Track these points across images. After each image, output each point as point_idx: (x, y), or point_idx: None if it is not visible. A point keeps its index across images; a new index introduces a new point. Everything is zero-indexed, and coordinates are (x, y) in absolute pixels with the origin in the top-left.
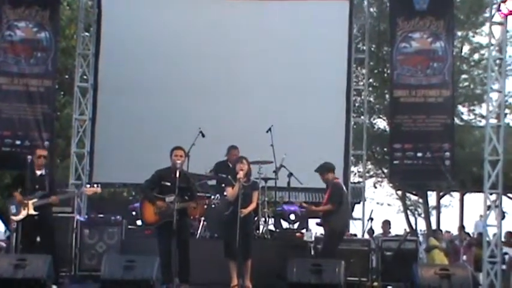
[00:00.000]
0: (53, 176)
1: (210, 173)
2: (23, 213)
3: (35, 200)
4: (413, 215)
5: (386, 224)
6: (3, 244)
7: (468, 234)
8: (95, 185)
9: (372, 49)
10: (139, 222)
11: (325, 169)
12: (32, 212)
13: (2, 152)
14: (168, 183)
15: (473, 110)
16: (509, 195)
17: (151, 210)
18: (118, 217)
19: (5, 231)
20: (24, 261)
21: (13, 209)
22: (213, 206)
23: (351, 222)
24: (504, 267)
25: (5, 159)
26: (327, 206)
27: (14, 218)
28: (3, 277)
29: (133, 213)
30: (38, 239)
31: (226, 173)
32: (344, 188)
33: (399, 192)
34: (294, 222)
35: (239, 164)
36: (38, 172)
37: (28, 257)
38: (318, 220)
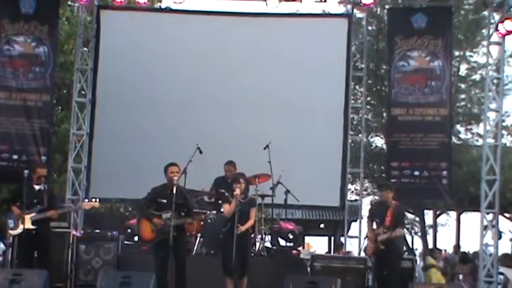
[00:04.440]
0: (52, 191)
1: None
2: (21, 228)
3: (33, 214)
4: (410, 233)
5: None
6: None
7: (464, 253)
8: (93, 200)
9: (370, 67)
10: (135, 238)
11: (387, 187)
12: (29, 226)
13: None
14: (165, 200)
15: (471, 129)
16: (505, 214)
17: (149, 228)
18: (114, 232)
19: None
20: (19, 276)
21: (11, 223)
22: (208, 220)
23: (348, 240)
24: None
25: (2, 174)
26: (400, 230)
27: (11, 232)
28: None
29: (129, 230)
30: (36, 254)
31: (225, 188)
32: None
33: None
34: (290, 240)
35: (236, 183)
36: (37, 187)
37: (24, 272)
38: None
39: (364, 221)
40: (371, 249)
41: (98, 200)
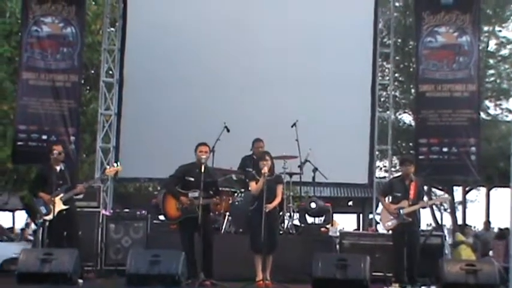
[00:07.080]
0: (73, 168)
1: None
2: (54, 211)
3: (61, 194)
4: (439, 210)
5: None
6: (32, 238)
7: (501, 229)
8: (115, 164)
9: (398, 43)
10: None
11: (409, 162)
12: (62, 207)
13: (28, 147)
14: (192, 179)
15: (500, 104)
16: None
17: (174, 206)
18: (143, 212)
19: (26, 224)
20: (50, 256)
21: (43, 209)
22: (236, 203)
23: (376, 217)
24: None
25: (32, 154)
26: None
27: (46, 218)
28: (30, 271)
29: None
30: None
31: (252, 167)
32: None
33: (425, 187)
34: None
35: (262, 160)
36: (57, 168)
37: (55, 252)
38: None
39: None
40: (392, 225)
41: (118, 163)
